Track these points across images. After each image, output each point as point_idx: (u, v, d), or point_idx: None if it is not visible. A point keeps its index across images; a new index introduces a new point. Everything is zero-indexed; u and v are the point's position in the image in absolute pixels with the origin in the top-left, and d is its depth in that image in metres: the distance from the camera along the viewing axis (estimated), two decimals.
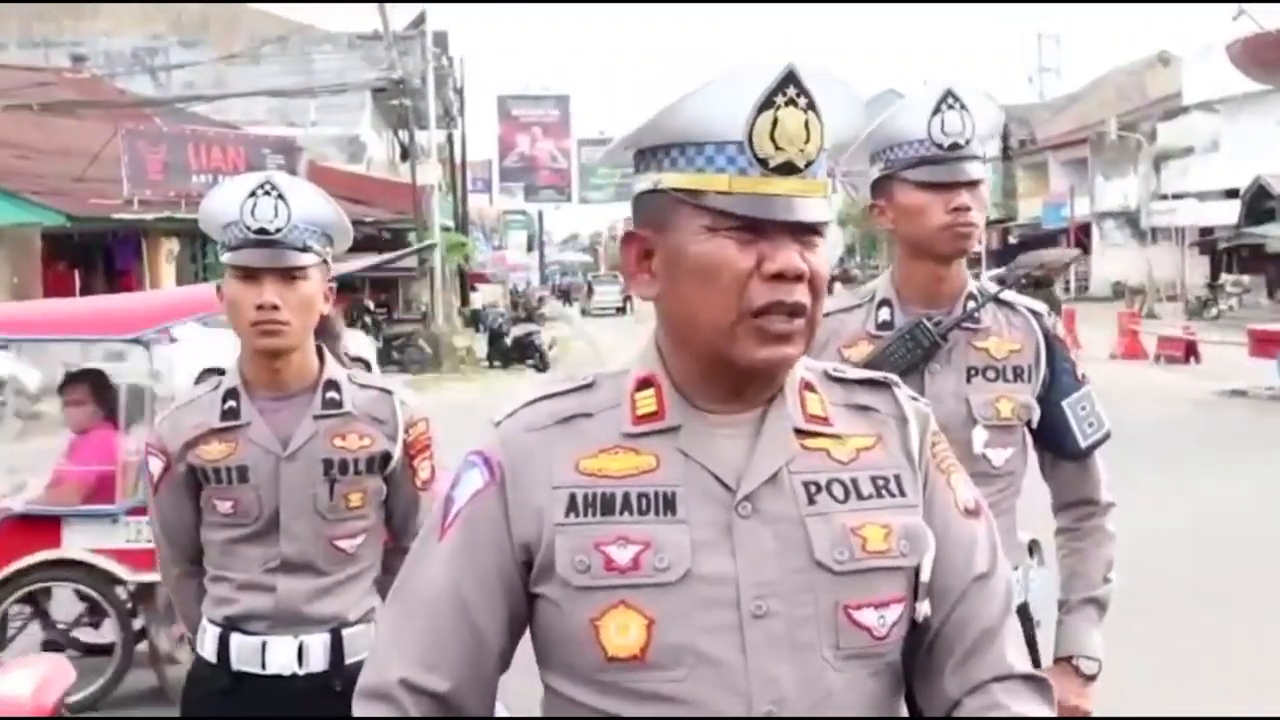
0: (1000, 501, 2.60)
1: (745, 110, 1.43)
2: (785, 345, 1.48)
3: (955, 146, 2.57)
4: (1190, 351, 23.67)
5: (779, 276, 1.45)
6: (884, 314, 2.68)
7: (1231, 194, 38.19)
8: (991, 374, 2.63)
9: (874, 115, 2.62)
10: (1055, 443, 2.72)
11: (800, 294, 1.46)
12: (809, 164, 1.46)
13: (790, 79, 1.44)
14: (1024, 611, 2.68)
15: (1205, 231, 41.72)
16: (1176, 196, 42.64)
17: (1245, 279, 38.63)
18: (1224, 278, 39.64)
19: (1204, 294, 39.10)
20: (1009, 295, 2.72)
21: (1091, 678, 2.66)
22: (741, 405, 1.52)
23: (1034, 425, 2.67)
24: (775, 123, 1.43)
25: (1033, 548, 2.79)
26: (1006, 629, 1.56)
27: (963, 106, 2.58)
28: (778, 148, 1.44)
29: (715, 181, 1.45)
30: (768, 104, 1.43)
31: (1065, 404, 2.68)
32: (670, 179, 1.48)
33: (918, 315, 2.63)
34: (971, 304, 2.65)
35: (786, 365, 1.51)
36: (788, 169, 1.45)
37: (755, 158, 1.44)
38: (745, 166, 1.44)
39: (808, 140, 1.45)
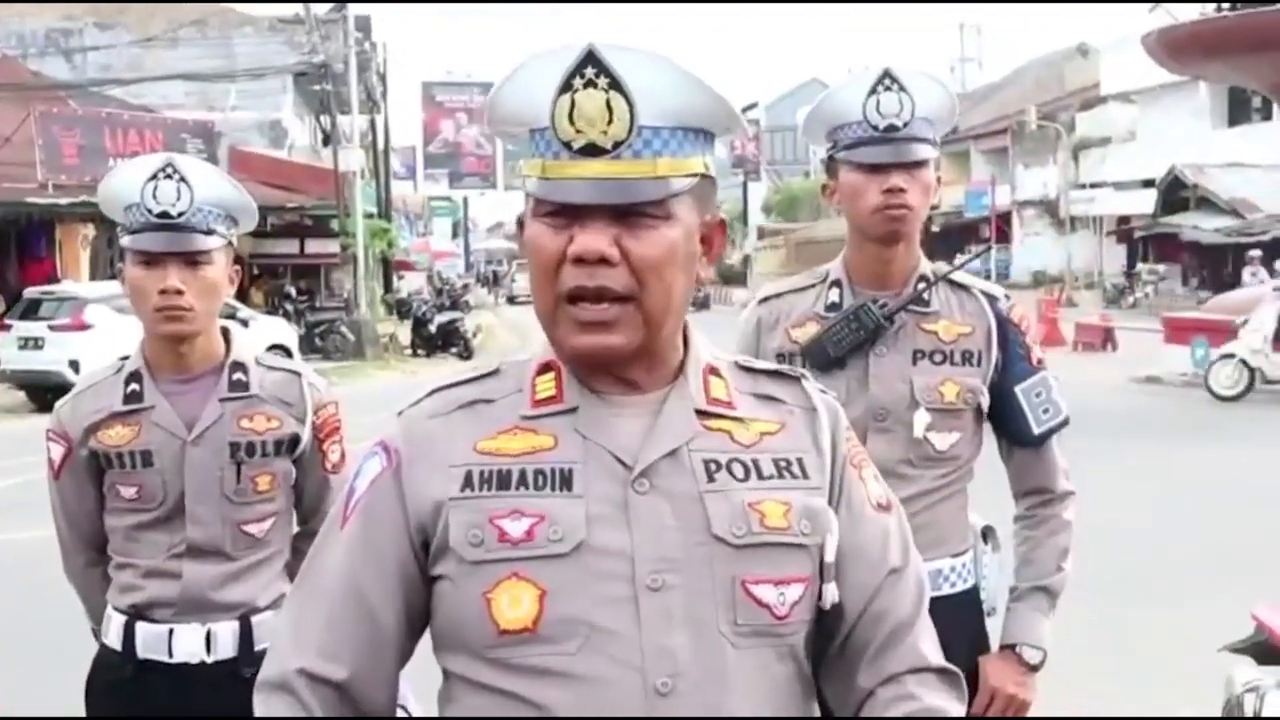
0: (947, 485, 2.62)
1: (548, 95, 1.45)
2: (602, 333, 1.47)
3: (892, 128, 2.56)
4: (1107, 339, 24.06)
5: (581, 260, 1.45)
6: (833, 295, 2.68)
7: (1148, 184, 38.78)
8: (938, 357, 2.61)
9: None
10: (1009, 429, 2.69)
11: (605, 278, 1.46)
12: (619, 144, 1.44)
13: (590, 60, 1.44)
14: (975, 597, 2.69)
15: (1122, 220, 42.34)
16: (1094, 186, 43.24)
17: (1161, 267, 39.25)
18: (1140, 266, 40.25)
19: (1121, 282, 39.70)
20: (963, 278, 2.70)
21: (1035, 667, 2.64)
22: (632, 388, 1.53)
23: (984, 410, 2.66)
24: (573, 105, 1.44)
25: (987, 533, 2.76)
26: (920, 622, 1.58)
27: (901, 88, 2.56)
28: (578, 130, 1.44)
29: (535, 166, 1.48)
30: (566, 87, 1.44)
31: (1019, 389, 2.66)
32: (523, 163, 1.52)
33: (866, 297, 2.63)
34: (921, 286, 2.64)
35: (610, 355, 1.50)
36: (592, 150, 1.44)
37: (560, 142, 1.45)
38: (557, 150, 1.46)
39: (610, 121, 1.44)
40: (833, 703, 1.60)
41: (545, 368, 1.56)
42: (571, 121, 1.44)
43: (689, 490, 1.49)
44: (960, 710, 1.56)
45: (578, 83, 1.44)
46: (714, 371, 1.58)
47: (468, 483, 1.49)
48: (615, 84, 1.44)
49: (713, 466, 1.51)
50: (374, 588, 1.52)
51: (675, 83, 1.47)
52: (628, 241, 1.46)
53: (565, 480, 1.48)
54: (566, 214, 1.46)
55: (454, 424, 1.54)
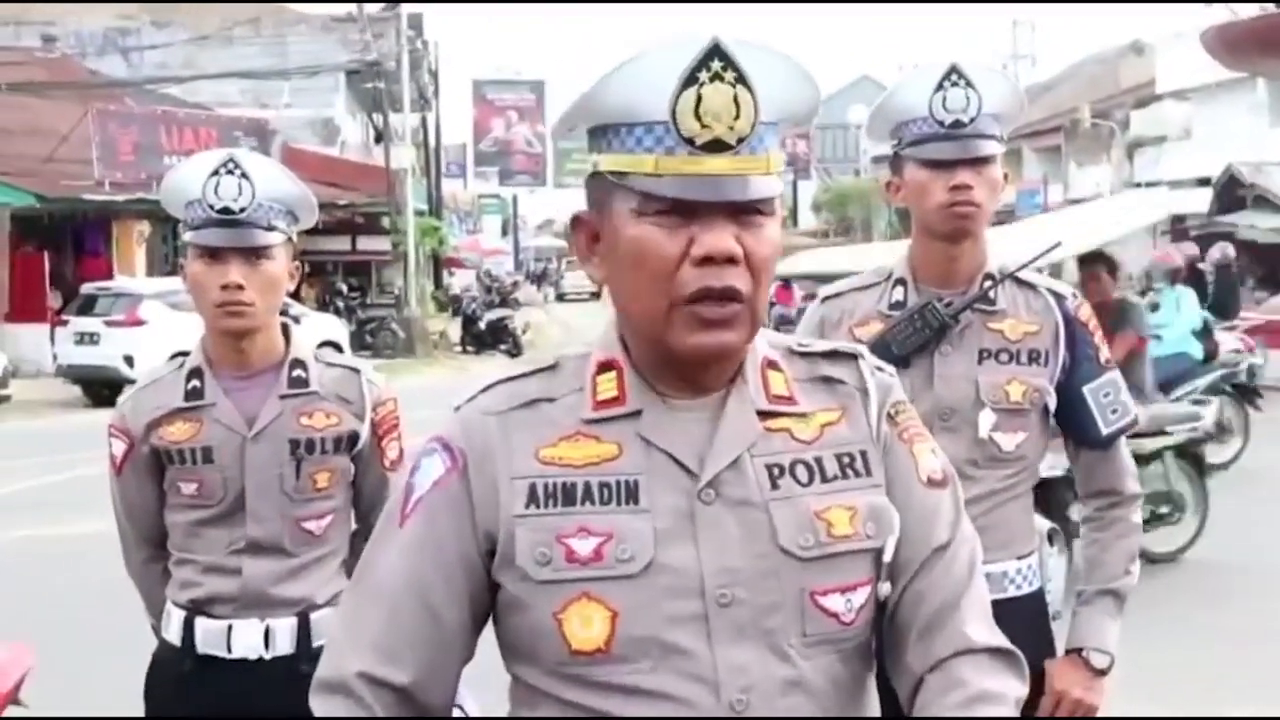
0: (1013, 486, 2.58)
1: (669, 87, 1.39)
2: (722, 331, 1.43)
3: (958, 124, 2.52)
4: None
5: (708, 260, 1.41)
6: (898, 293, 2.65)
7: (1203, 182, 38.24)
8: (1005, 356, 2.57)
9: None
10: (1077, 430, 2.65)
11: (732, 278, 1.42)
12: (741, 140, 1.40)
13: (715, 53, 1.39)
14: (1040, 600, 2.65)
15: (1177, 219, 41.84)
16: (1149, 184, 42.71)
17: None
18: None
19: None
20: (1030, 276, 2.66)
21: (1102, 671, 2.60)
22: (699, 389, 1.49)
23: (1050, 410, 2.61)
24: (700, 99, 1.39)
25: (1052, 535, 2.73)
26: (967, 601, 1.52)
27: (968, 83, 2.53)
28: (703, 125, 1.39)
29: (643, 163, 1.41)
30: (691, 80, 1.39)
31: (1086, 390, 2.61)
32: (606, 160, 1.45)
33: (930, 295, 2.60)
34: (987, 284, 2.60)
35: (726, 353, 1.47)
36: (717, 146, 1.40)
37: (681, 137, 1.40)
38: (672, 146, 1.40)
39: (737, 116, 1.40)
40: (892, 679, 1.56)
41: (605, 366, 1.52)
42: (697, 116, 1.39)
43: (754, 499, 1.46)
44: (1022, 691, 1.50)
45: (704, 76, 1.39)
46: (771, 365, 1.54)
47: (532, 497, 1.46)
48: (741, 78, 1.40)
49: (775, 471, 1.48)
50: (438, 588, 1.49)
51: (790, 78, 1.46)
52: (746, 240, 1.42)
53: (631, 493, 1.45)
54: (680, 213, 1.41)
55: (513, 424, 1.50)
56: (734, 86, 1.39)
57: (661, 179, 1.41)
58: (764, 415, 1.50)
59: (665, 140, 1.40)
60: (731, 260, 1.41)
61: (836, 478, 1.49)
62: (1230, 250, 18.79)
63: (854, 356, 1.58)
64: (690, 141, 1.40)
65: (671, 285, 1.42)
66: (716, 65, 1.39)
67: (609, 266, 1.49)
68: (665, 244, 1.42)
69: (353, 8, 30.71)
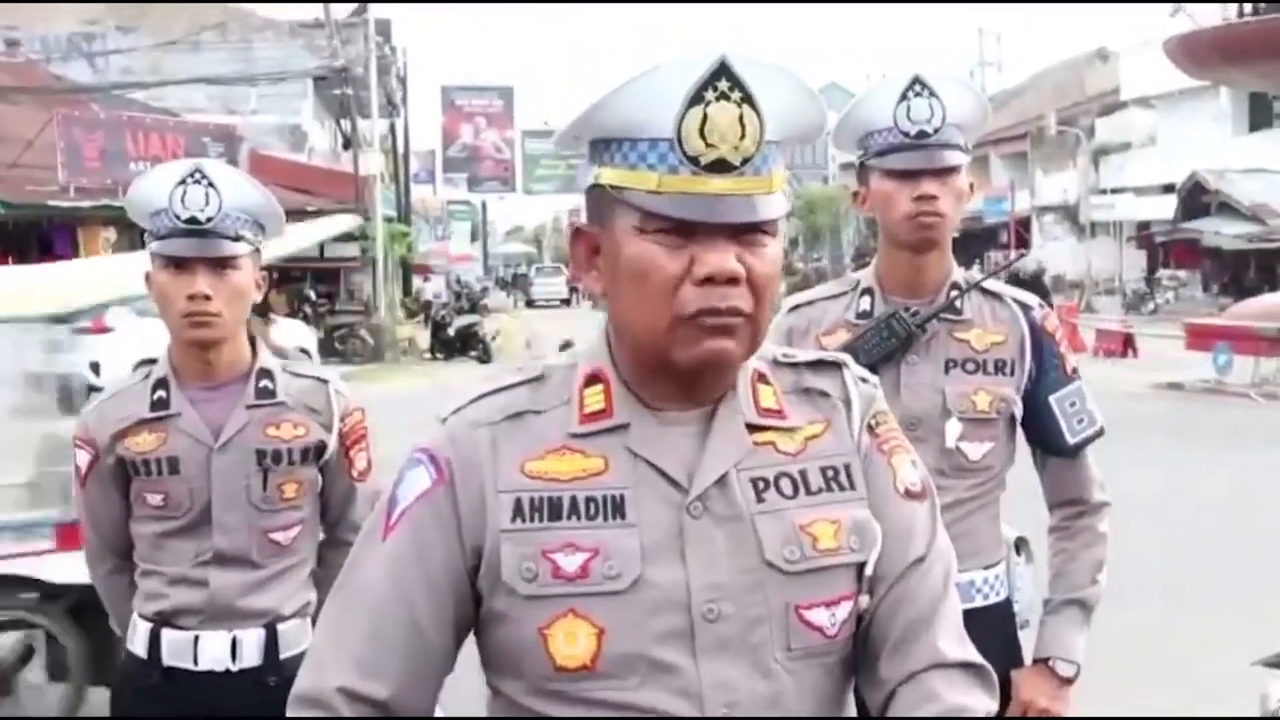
0: (980, 496, 2.59)
1: (675, 105, 1.38)
2: (723, 339, 1.42)
3: (923, 134, 2.53)
4: (1128, 345, 23.94)
5: (709, 280, 1.40)
6: (865, 303, 2.66)
7: (1168, 189, 38.64)
8: (971, 366, 2.59)
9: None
10: (1043, 439, 2.67)
11: (735, 298, 1.41)
12: (746, 160, 1.39)
13: (723, 72, 1.38)
14: (1008, 610, 2.67)
15: (1143, 226, 42.19)
16: (1115, 191, 43.07)
17: (1181, 273, 39.12)
18: (1161, 272, 40.12)
19: (1141, 288, 39.56)
20: (997, 286, 2.68)
21: (1068, 680, 2.61)
22: (691, 402, 1.48)
23: (1017, 419, 2.63)
24: (705, 119, 1.37)
25: (1019, 545, 2.74)
26: (940, 616, 1.51)
27: (931, 93, 2.54)
28: (708, 145, 1.38)
29: (645, 180, 1.40)
30: (697, 99, 1.37)
31: (1052, 399, 2.63)
32: (608, 174, 1.44)
33: (897, 305, 2.60)
34: (953, 294, 2.61)
35: (726, 361, 1.45)
36: (721, 167, 1.39)
37: (685, 155, 1.38)
38: (676, 164, 1.39)
39: (742, 136, 1.38)
40: (862, 689, 1.55)
41: (593, 378, 1.51)
42: (702, 136, 1.38)
43: (739, 512, 1.45)
44: (992, 706, 1.50)
45: (710, 95, 1.37)
46: (761, 378, 1.54)
47: (518, 511, 1.45)
48: (748, 98, 1.39)
49: (760, 484, 1.47)
50: (423, 602, 1.47)
51: (798, 99, 1.45)
52: (748, 259, 1.42)
53: (618, 508, 1.44)
54: (682, 231, 1.40)
55: (500, 436, 1.48)
56: (740, 106, 1.38)
57: (663, 197, 1.39)
58: (752, 428, 1.50)
59: (669, 158, 1.39)
60: (733, 280, 1.41)
61: (821, 491, 1.49)
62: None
63: (838, 366, 1.58)
64: (694, 161, 1.38)
65: (672, 304, 1.41)
66: (723, 84, 1.38)
67: (608, 279, 1.48)
68: (666, 263, 1.41)
69: (320, 13, 30.60)
